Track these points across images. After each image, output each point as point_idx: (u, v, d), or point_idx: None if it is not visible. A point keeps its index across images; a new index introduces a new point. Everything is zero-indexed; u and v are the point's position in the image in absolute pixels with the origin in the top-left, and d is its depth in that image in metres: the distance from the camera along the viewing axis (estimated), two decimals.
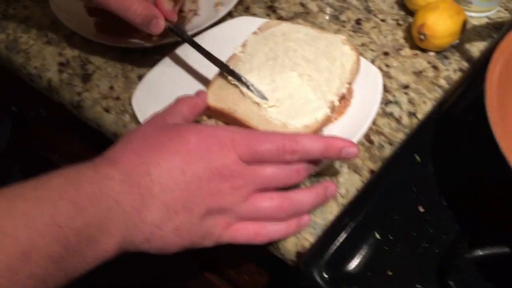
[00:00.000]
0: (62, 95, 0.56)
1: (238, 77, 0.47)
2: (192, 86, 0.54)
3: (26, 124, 0.78)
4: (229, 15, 0.64)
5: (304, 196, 0.39)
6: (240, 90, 0.47)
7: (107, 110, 0.54)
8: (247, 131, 0.39)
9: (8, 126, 0.58)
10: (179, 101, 0.44)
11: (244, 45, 0.52)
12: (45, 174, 0.33)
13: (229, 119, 0.48)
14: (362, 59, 0.52)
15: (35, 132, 0.82)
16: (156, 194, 0.34)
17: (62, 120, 0.70)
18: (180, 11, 0.61)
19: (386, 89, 0.55)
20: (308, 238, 0.43)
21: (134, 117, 0.52)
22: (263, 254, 0.45)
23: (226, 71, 0.49)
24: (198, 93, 0.47)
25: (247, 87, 0.47)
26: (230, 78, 0.48)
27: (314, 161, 0.40)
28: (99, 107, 0.54)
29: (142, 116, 0.50)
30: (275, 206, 0.38)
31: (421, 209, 0.43)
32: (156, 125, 0.39)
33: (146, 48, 0.59)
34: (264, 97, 0.46)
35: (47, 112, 0.72)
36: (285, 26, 0.54)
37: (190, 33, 0.58)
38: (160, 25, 0.48)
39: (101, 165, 0.34)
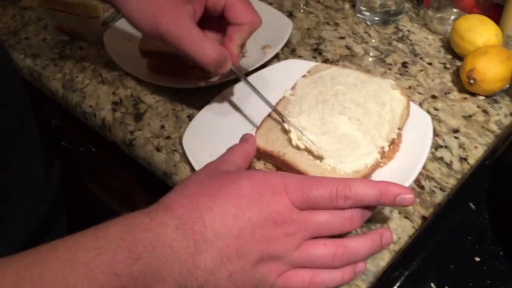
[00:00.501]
0: (115, 134, 0.58)
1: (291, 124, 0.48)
2: (240, 127, 0.55)
3: (74, 159, 0.81)
4: (276, 57, 0.65)
5: (359, 244, 0.38)
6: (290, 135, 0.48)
7: (158, 149, 0.55)
8: (300, 177, 0.39)
9: (57, 170, 0.60)
10: (231, 150, 0.45)
11: (293, 88, 0.53)
12: (103, 223, 0.34)
13: (278, 162, 0.48)
14: (411, 103, 0.52)
15: (83, 167, 0.84)
16: (209, 240, 0.35)
17: (110, 156, 0.72)
18: None
19: (435, 133, 0.54)
20: (360, 285, 0.43)
21: (184, 156, 0.53)
22: None
23: (280, 116, 0.49)
24: (247, 139, 0.47)
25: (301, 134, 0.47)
26: (284, 124, 0.49)
27: (367, 208, 0.39)
28: (151, 146, 0.56)
29: (192, 156, 0.51)
30: (329, 254, 0.37)
31: (477, 259, 0.42)
32: (210, 173, 0.40)
33: (195, 89, 0.61)
34: (320, 153, 0.46)
35: (96, 148, 0.74)
36: (334, 70, 0.54)
37: None
38: (228, 67, 0.50)
39: (156, 212, 0.35)
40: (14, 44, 0.71)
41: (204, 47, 0.46)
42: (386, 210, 0.47)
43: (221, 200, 0.36)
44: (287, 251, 0.37)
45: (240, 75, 0.52)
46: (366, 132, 0.47)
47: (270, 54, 0.63)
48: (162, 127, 0.57)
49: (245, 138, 0.48)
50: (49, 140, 0.79)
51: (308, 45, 0.67)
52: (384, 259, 0.44)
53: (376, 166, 0.46)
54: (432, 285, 0.40)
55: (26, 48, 0.70)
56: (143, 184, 0.71)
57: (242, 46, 0.51)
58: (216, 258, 0.35)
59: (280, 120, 0.49)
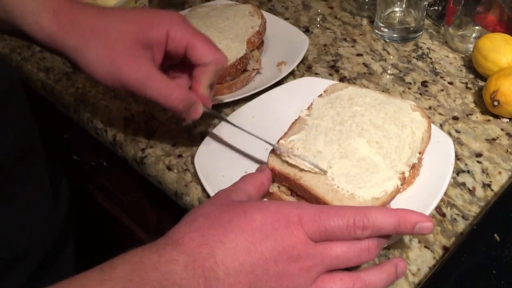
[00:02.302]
0: (126, 150, 0.57)
1: (284, 152, 0.47)
2: (254, 147, 0.53)
3: (86, 173, 0.80)
4: (292, 74, 0.64)
5: (375, 277, 0.36)
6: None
7: (169, 168, 0.54)
8: (315, 207, 0.37)
9: (65, 190, 0.59)
10: (244, 179, 0.43)
11: (309, 108, 0.52)
12: (109, 262, 0.32)
13: (293, 185, 0.46)
14: (432, 126, 0.50)
15: (94, 181, 0.83)
16: (220, 277, 0.33)
17: (121, 171, 0.71)
18: (244, 70, 0.61)
19: (457, 157, 0.52)
20: None
21: (196, 176, 0.52)
22: None
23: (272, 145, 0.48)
24: (263, 170, 0.46)
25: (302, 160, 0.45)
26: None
27: (384, 236, 0.37)
28: (162, 164, 0.54)
29: (204, 177, 0.50)
30: None
31: None
32: (221, 202, 0.38)
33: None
34: (322, 169, 0.44)
35: (107, 163, 0.73)
36: (351, 89, 0.53)
37: (253, 92, 0.59)
38: (198, 111, 0.49)
39: (164, 248, 0.34)
40: (28, 57, 0.70)
41: (169, 90, 0.46)
42: (406, 238, 0.45)
43: (233, 234, 0.34)
44: (302, 286, 0.35)
45: (218, 116, 0.52)
46: (385, 156, 0.45)
47: (286, 71, 0.62)
48: (174, 145, 0.56)
49: (261, 169, 0.46)
50: (59, 154, 0.78)
51: (325, 62, 0.66)
52: None
53: (396, 192, 0.44)
54: None
55: (39, 61, 0.69)
56: (153, 201, 0.70)
57: (212, 86, 0.50)
58: None
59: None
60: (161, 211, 0.71)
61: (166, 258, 0.33)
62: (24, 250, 0.48)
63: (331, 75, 0.64)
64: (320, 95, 0.53)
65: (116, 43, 0.45)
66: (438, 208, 0.48)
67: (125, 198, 0.78)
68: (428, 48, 0.67)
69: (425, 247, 0.45)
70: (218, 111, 0.59)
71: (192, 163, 0.53)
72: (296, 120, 0.51)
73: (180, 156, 0.55)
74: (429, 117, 0.50)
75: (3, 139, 0.45)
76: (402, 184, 0.44)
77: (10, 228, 0.46)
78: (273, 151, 0.48)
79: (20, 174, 0.47)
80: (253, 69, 0.62)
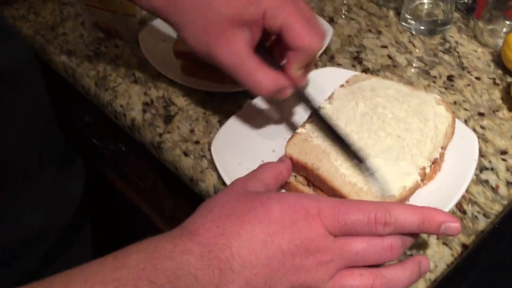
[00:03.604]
0: (144, 135, 0.57)
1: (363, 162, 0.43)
2: (273, 136, 0.52)
3: (104, 157, 0.81)
4: (314, 64, 0.62)
5: (398, 274, 0.35)
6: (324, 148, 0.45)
7: (186, 154, 0.54)
8: (335, 200, 0.36)
9: (82, 172, 0.59)
10: (263, 167, 0.42)
11: (330, 98, 0.51)
12: (123, 250, 0.32)
13: (310, 175, 0.46)
14: (457, 121, 0.48)
15: (112, 165, 0.84)
16: (236, 269, 0.32)
17: (139, 157, 0.71)
18: None
19: (481, 154, 0.50)
20: None
21: (212, 163, 0.51)
22: None
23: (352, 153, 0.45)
24: (283, 161, 0.45)
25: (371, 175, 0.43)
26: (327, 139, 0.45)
27: (409, 235, 0.36)
28: (179, 150, 0.54)
29: (220, 164, 0.49)
30: (366, 286, 0.34)
31: None
32: (237, 192, 0.37)
33: (228, 94, 0.59)
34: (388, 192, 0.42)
35: (126, 147, 0.74)
36: (375, 81, 0.51)
37: None
38: (286, 94, 0.47)
39: (180, 237, 0.33)
40: (51, 39, 0.71)
41: (257, 79, 0.44)
42: (424, 235, 0.44)
43: (250, 225, 0.33)
44: (319, 281, 0.34)
45: (305, 99, 0.48)
46: (406, 150, 0.44)
47: None
48: (192, 131, 0.56)
49: (281, 159, 0.45)
50: (79, 138, 0.79)
51: (348, 53, 0.65)
52: None
53: (416, 188, 0.43)
54: None
55: (62, 43, 0.70)
56: (170, 188, 0.70)
57: (309, 65, 0.47)
58: None
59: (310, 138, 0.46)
60: (178, 198, 0.71)
61: (181, 248, 0.32)
62: (38, 232, 0.48)
63: (354, 66, 0.63)
64: (342, 85, 0.52)
65: (211, 25, 0.44)
66: (459, 205, 0.46)
67: (142, 184, 0.78)
68: (456, 42, 0.65)
69: (444, 244, 0.43)
70: (238, 98, 0.58)
71: (209, 150, 0.53)
72: (315, 109, 0.50)
73: (197, 142, 0.55)
74: (453, 112, 0.48)
75: (17, 117, 0.45)
76: (422, 180, 0.43)
77: (24, 209, 0.46)
78: (291, 140, 0.48)
79: (35, 154, 0.48)
80: None
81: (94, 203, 0.65)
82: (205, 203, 0.37)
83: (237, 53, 0.44)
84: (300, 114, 0.54)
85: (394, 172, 0.43)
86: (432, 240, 0.44)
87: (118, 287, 0.29)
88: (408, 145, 0.45)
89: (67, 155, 0.56)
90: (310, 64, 0.48)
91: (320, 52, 0.61)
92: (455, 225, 0.35)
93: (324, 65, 0.63)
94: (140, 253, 0.31)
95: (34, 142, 0.48)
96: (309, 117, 0.50)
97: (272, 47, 0.49)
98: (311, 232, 0.34)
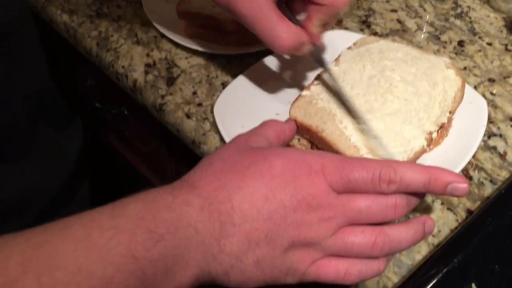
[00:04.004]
0: (146, 97, 0.56)
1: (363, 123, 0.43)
2: (276, 99, 0.51)
3: (107, 122, 0.80)
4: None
5: (401, 233, 0.34)
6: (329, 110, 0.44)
7: (188, 116, 0.53)
8: (339, 157, 0.35)
9: (80, 131, 0.59)
10: (265, 124, 0.41)
11: (337, 60, 0.49)
12: (122, 200, 0.31)
13: (314, 138, 0.45)
14: (466, 85, 0.47)
15: (115, 130, 0.83)
16: (236, 222, 0.32)
17: (142, 121, 0.70)
18: None
19: (489, 120, 0.49)
20: (392, 277, 0.39)
21: (214, 125, 0.50)
22: (337, 286, 0.41)
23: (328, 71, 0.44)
24: (288, 120, 0.44)
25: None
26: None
27: (414, 195, 0.35)
28: (181, 112, 0.53)
29: (222, 126, 0.49)
30: (368, 243, 0.33)
31: None
32: (239, 147, 0.36)
33: (231, 56, 0.58)
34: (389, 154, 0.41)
35: (128, 111, 0.73)
36: (383, 43, 0.50)
37: None
38: (304, 51, 0.45)
39: (180, 189, 0.32)
40: None
41: (277, 33, 0.42)
42: (428, 199, 0.43)
43: (251, 180, 0.33)
44: (321, 237, 0.33)
45: (319, 60, 0.47)
46: (413, 113, 0.43)
47: None
48: (194, 93, 0.55)
49: (286, 120, 0.44)
50: (82, 101, 0.78)
51: (356, 17, 0.63)
52: (420, 252, 0.41)
53: (422, 152, 0.42)
54: (473, 285, 0.37)
55: (64, 3, 0.68)
56: (173, 152, 0.69)
57: (328, 24, 0.46)
58: (243, 243, 0.32)
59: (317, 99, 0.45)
60: (180, 163, 0.71)
61: (181, 199, 0.31)
62: (32, 190, 0.47)
63: (362, 30, 0.61)
64: (349, 48, 0.51)
65: None
66: (465, 171, 0.45)
67: (145, 148, 0.78)
68: (468, 7, 0.63)
69: (448, 209, 0.43)
70: (242, 61, 0.57)
71: (212, 112, 0.52)
72: (321, 71, 0.49)
73: (199, 104, 0.54)
74: (463, 77, 0.47)
75: (10, 72, 0.44)
76: (428, 144, 0.42)
77: (17, 167, 0.46)
78: (295, 102, 0.46)
79: (30, 111, 0.47)
80: None
81: (95, 167, 0.64)
82: (207, 157, 0.36)
83: (258, 4, 0.42)
84: (305, 77, 0.53)
85: (401, 135, 0.42)
86: (436, 205, 0.43)
87: (116, 234, 0.29)
88: (416, 108, 0.43)
89: (65, 115, 0.55)
90: (331, 22, 0.46)
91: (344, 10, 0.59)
92: (462, 185, 0.34)
93: (332, 29, 0.61)
94: (139, 202, 0.31)
95: (28, 99, 0.47)
96: (315, 79, 0.48)
97: (290, 0, 0.47)
98: (314, 188, 0.33)
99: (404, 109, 0.43)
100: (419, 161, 0.43)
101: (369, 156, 0.41)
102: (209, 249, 0.31)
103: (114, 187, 0.74)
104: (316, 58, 0.47)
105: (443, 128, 0.45)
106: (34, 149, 0.48)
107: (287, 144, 0.45)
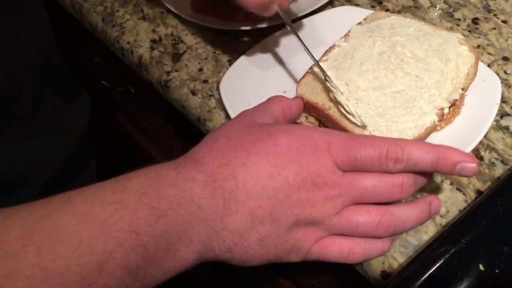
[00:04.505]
0: (151, 73, 0.55)
1: (334, 86, 0.43)
2: (283, 77, 0.50)
3: (114, 99, 0.80)
4: (330, 3, 0.59)
5: (407, 212, 0.34)
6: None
7: (193, 93, 0.52)
8: (346, 134, 0.34)
9: (86, 105, 0.58)
10: (272, 100, 0.40)
11: (346, 36, 0.48)
12: (125, 175, 0.31)
13: (321, 116, 0.44)
14: (480, 63, 0.46)
15: (122, 108, 0.83)
16: (241, 200, 0.31)
17: (148, 99, 0.70)
18: None
19: (503, 99, 0.48)
20: (397, 257, 0.39)
21: (220, 102, 0.50)
22: (341, 266, 0.41)
23: (323, 73, 0.44)
24: (295, 97, 0.43)
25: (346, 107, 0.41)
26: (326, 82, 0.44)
27: (421, 174, 0.34)
28: (186, 88, 0.52)
29: (228, 103, 0.48)
30: (374, 222, 0.33)
31: None
32: (244, 123, 0.35)
33: (239, 32, 0.56)
34: (363, 123, 0.40)
35: (135, 89, 0.72)
36: (394, 19, 0.48)
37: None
38: (273, 10, 0.44)
39: (183, 165, 0.32)
40: None
41: None
42: (437, 179, 0.42)
43: (256, 157, 0.32)
44: (325, 216, 0.32)
45: (286, 21, 0.46)
46: (424, 90, 0.42)
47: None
48: (200, 70, 0.54)
49: (294, 97, 0.43)
50: (89, 80, 0.77)
51: None
52: (428, 232, 0.40)
53: (432, 129, 0.41)
54: (481, 266, 0.36)
55: None
56: (179, 131, 0.69)
57: None
58: (247, 220, 0.31)
59: (323, 76, 0.44)
60: (186, 141, 0.70)
61: (184, 175, 0.31)
62: (38, 161, 0.47)
63: (373, 7, 0.59)
64: (359, 23, 0.49)
65: None
66: (476, 151, 0.44)
67: (151, 127, 0.77)
68: None
69: (457, 189, 0.42)
70: (249, 37, 0.56)
71: (217, 89, 0.51)
72: (330, 47, 0.48)
73: (205, 81, 0.53)
74: (477, 53, 0.45)
75: (18, 41, 0.43)
76: (439, 121, 0.41)
77: (24, 137, 0.46)
78: (302, 80, 0.45)
79: (36, 82, 0.46)
80: None
81: (103, 143, 0.64)
82: (211, 133, 0.35)
83: None
84: (313, 53, 0.52)
85: (411, 112, 0.40)
86: (446, 185, 0.42)
87: (118, 209, 0.28)
88: (427, 85, 0.42)
89: (71, 88, 0.55)
90: None
91: None
92: (471, 165, 0.33)
93: (342, 5, 0.59)
94: (142, 177, 0.30)
95: (35, 69, 0.46)
96: (323, 56, 0.47)
97: None
98: (319, 166, 0.32)
99: (415, 86, 0.42)
100: (429, 139, 0.42)
101: (376, 133, 0.40)
102: (212, 225, 0.31)
103: (121, 164, 0.74)
104: (285, 22, 0.46)
105: (455, 106, 0.43)
106: (40, 119, 0.48)
107: (294, 122, 0.44)
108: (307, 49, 0.45)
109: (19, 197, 0.46)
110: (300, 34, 0.54)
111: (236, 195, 0.31)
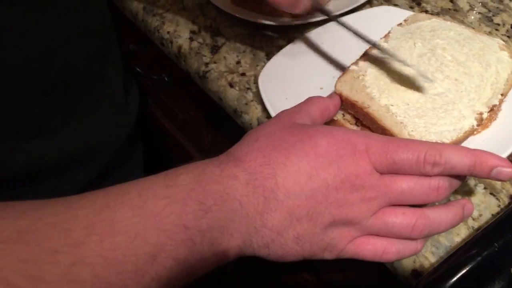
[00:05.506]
0: (190, 64, 0.56)
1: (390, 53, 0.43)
2: (322, 73, 0.51)
3: (147, 87, 0.81)
4: (369, 2, 0.60)
5: (441, 215, 0.34)
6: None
7: (231, 85, 0.53)
8: (385, 137, 0.35)
9: (136, 96, 0.60)
10: (310, 100, 0.40)
11: (386, 37, 0.48)
12: (173, 169, 0.32)
13: (359, 114, 0.44)
14: None
15: (154, 95, 0.84)
16: (280, 198, 0.32)
17: (182, 88, 0.71)
18: None
19: None
20: (429, 257, 0.39)
21: (257, 96, 0.51)
22: (370, 263, 0.41)
23: (378, 47, 0.44)
24: (331, 97, 0.43)
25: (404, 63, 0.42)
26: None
27: (456, 177, 0.35)
28: (224, 80, 0.53)
29: (266, 97, 0.49)
30: (409, 224, 0.33)
31: None
32: (283, 123, 0.36)
33: (278, 27, 0.57)
34: (427, 77, 0.41)
35: (169, 78, 0.74)
36: (435, 21, 0.49)
37: (325, 17, 0.56)
38: (300, 8, 0.44)
39: (227, 163, 0.33)
40: None
41: None
42: (471, 183, 0.43)
43: (296, 157, 0.33)
44: (362, 216, 0.33)
45: (325, 12, 0.47)
46: (464, 93, 0.42)
47: None
48: (238, 62, 0.55)
49: (330, 95, 0.44)
50: (127, 64, 0.79)
51: None
52: (460, 235, 0.40)
53: (470, 133, 0.41)
54: None
55: None
56: (210, 121, 0.70)
57: None
58: (285, 218, 0.32)
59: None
60: (217, 132, 0.72)
61: (227, 173, 0.32)
62: (96, 145, 0.49)
63: (411, 8, 0.59)
64: (400, 24, 0.50)
65: None
66: (511, 156, 0.44)
67: (183, 116, 0.79)
68: None
69: (491, 193, 0.42)
70: (287, 33, 0.57)
71: (255, 82, 0.52)
72: (370, 47, 0.48)
73: (243, 74, 0.54)
74: None
75: (84, 25, 0.45)
76: (478, 125, 0.42)
77: (85, 120, 0.47)
78: (341, 77, 0.46)
79: (98, 71, 0.48)
80: None
81: (146, 131, 0.66)
82: (252, 132, 0.36)
83: None
84: (352, 51, 0.52)
85: (450, 115, 0.41)
86: (479, 189, 0.43)
87: (169, 204, 0.30)
88: (466, 89, 0.43)
89: (125, 75, 0.56)
90: None
91: None
92: (507, 170, 0.34)
93: (380, 5, 0.60)
94: (190, 174, 0.32)
95: (99, 52, 0.48)
96: (363, 54, 0.48)
97: None
98: (357, 168, 0.33)
99: (455, 89, 0.43)
100: (466, 143, 0.43)
101: (415, 133, 0.41)
102: (252, 222, 0.32)
103: (156, 151, 0.75)
104: (320, 10, 0.47)
105: (493, 111, 0.44)
106: (102, 103, 0.49)
107: (331, 119, 0.45)
108: (359, 32, 0.45)
109: (79, 175, 0.48)
110: (338, 32, 0.54)
111: (275, 194, 0.32)
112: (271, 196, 0.32)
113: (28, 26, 0.39)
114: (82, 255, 0.27)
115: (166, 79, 0.74)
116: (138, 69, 0.77)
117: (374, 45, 0.45)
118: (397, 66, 0.45)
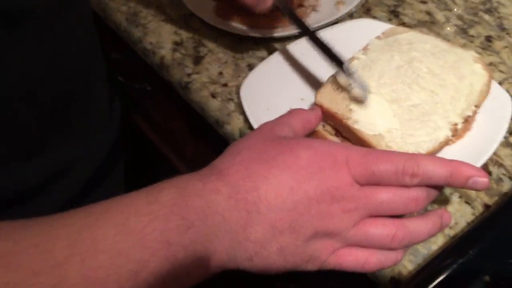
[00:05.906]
0: (172, 74, 0.57)
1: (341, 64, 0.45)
2: (303, 84, 0.52)
3: (129, 96, 0.81)
4: (349, 15, 0.61)
5: (420, 226, 0.35)
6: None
7: (213, 96, 0.54)
8: (364, 149, 0.36)
9: (118, 106, 0.60)
10: (292, 113, 0.41)
11: (365, 49, 0.50)
12: (155, 185, 0.32)
13: (339, 125, 0.45)
14: (492, 81, 0.47)
15: (136, 105, 0.84)
16: (262, 211, 0.33)
17: (164, 97, 0.71)
18: (300, 5, 0.59)
19: None
20: (407, 265, 0.40)
21: (239, 106, 0.51)
22: (352, 273, 0.42)
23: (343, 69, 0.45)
24: (313, 108, 0.44)
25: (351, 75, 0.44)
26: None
27: (433, 187, 0.36)
28: (206, 91, 0.54)
29: (248, 108, 0.49)
30: (389, 235, 0.34)
31: None
32: (265, 136, 0.37)
33: (260, 39, 0.58)
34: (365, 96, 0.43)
35: (151, 87, 0.74)
36: (412, 34, 0.50)
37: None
38: (267, 4, 0.45)
39: (209, 177, 0.33)
40: None
41: None
42: (446, 192, 0.44)
43: (278, 170, 0.33)
44: (343, 228, 0.34)
45: (287, 11, 0.48)
46: (439, 105, 0.44)
47: (344, 10, 0.59)
48: (220, 73, 0.56)
49: (312, 108, 0.45)
50: (109, 74, 0.79)
51: (385, 6, 0.63)
52: (437, 243, 0.41)
53: (445, 143, 0.42)
54: (487, 278, 0.37)
55: None
56: (193, 131, 0.70)
57: None
58: (268, 231, 0.33)
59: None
60: (200, 141, 0.72)
61: (210, 187, 0.33)
62: (76, 161, 0.49)
63: (390, 20, 0.61)
64: (378, 37, 0.51)
65: None
66: (485, 166, 0.46)
67: (165, 125, 0.79)
68: (498, 2, 0.63)
69: (466, 202, 0.44)
70: (269, 44, 0.58)
71: (237, 93, 0.53)
72: (349, 59, 0.49)
73: (225, 85, 0.54)
74: (490, 72, 0.47)
75: (73, 38, 0.45)
76: (453, 136, 0.43)
77: (66, 143, 0.47)
78: (321, 88, 0.47)
79: (85, 88, 0.48)
80: (310, 5, 0.60)
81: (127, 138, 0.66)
82: (234, 145, 0.37)
83: None
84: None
85: (426, 125, 0.42)
86: (454, 198, 0.44)
87: (152, 220, 0.30)
88: (442, 100, 0.44)
89: (110, 88, 0.57)
90: None
91: (357, 2, 0.59)
92: (483, 180, 0.35)
93: (360, 17, 0.61)
94: (172, 188, 0.32)
95: (85, 69, 0.48)
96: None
97: None
98: (338, 180, 0.34)
99: (430, 101, 0.44)
100: (441, 154, 0.44)
101: (392, 144, 0.42)
102: (235, 236, 0.32)
103: (136, 161, 0.75)
104: (283, 9, 0.48)
105: (467, 122, 0.45)
106: (91, 115, 0.49)
107: (312, 130, 0.45)
108: (328, 50, 0.47)
109: (58, 194, 0.47)
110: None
111: (258, 207, 0.33)
112: (253, 209, 0.33)
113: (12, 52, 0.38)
114: (64, 275, 0.27)
115: (149, 88, 0.74)
116: (120, 78, 0.77)
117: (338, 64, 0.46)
118: (374, 80, 0.46)
